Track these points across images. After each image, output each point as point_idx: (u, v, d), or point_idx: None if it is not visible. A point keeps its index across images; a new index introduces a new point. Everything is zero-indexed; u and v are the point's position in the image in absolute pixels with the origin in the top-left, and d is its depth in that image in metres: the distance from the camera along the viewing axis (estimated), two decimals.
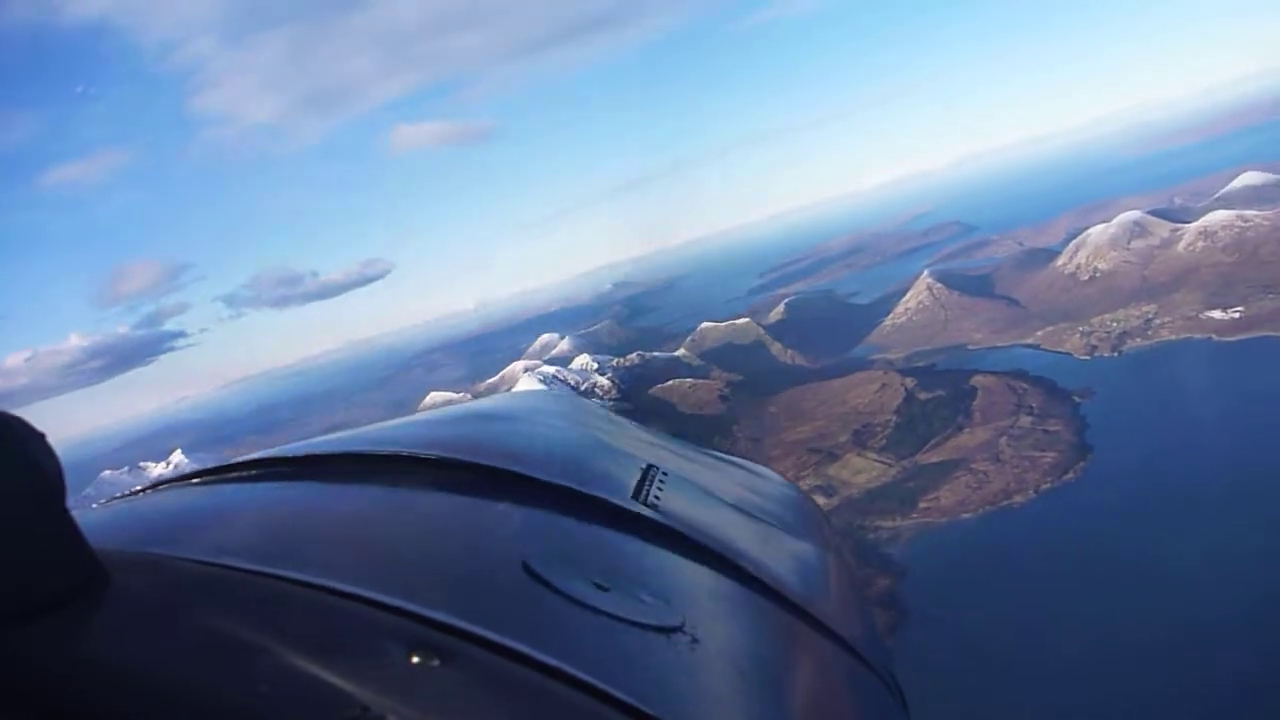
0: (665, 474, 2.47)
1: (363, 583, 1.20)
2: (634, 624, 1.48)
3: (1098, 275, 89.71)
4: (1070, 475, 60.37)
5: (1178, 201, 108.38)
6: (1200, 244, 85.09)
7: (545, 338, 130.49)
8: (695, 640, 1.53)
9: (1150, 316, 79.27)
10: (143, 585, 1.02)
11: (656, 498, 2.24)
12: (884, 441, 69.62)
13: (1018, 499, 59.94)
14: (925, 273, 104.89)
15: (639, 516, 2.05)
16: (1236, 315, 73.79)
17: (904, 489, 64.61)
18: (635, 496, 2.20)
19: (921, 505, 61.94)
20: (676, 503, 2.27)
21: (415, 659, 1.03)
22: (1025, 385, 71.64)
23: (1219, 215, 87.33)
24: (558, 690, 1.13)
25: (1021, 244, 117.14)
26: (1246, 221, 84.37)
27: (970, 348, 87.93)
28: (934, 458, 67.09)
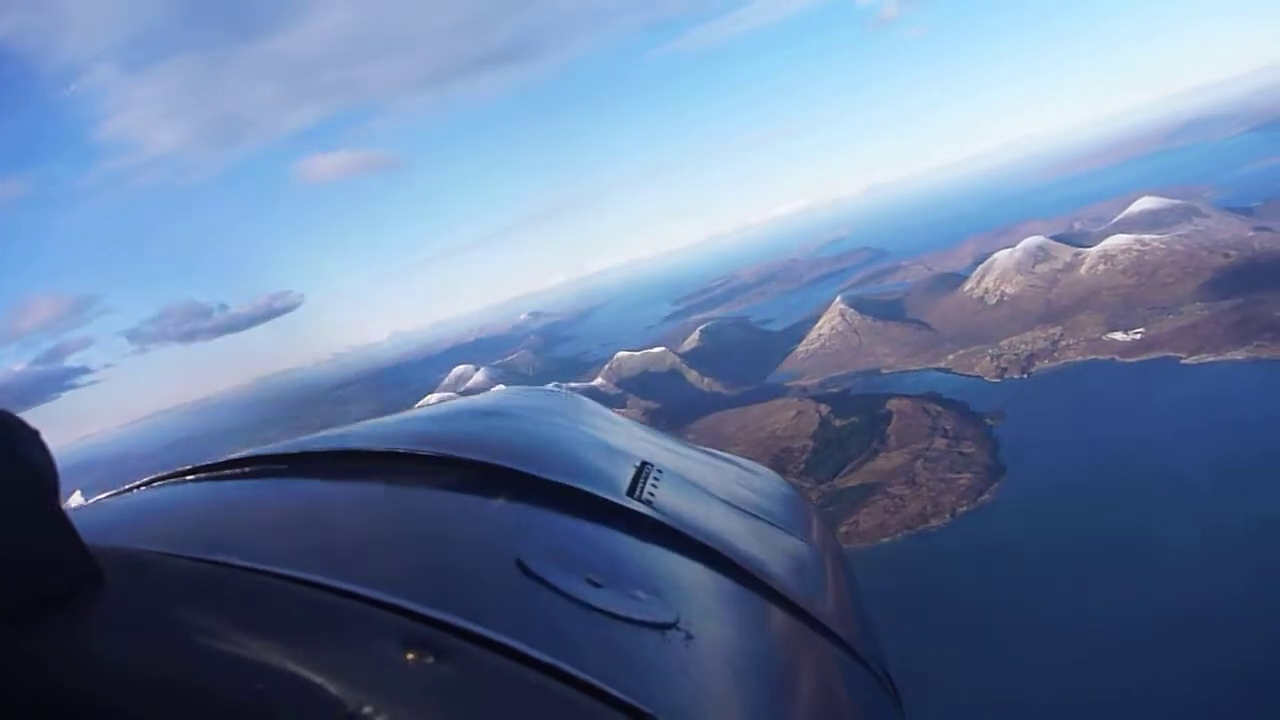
0: (660, 471, 2.46)
1: (358, 580, 1.20)
2: (629, 621, 1.48)
3: (1005, 299, 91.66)
4: (986, 497, 60.90)
5: (1078, 226, 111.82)
6: (1101, 267, 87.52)
7: (460, 369, 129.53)
8: (690, 637, 1.53)
9: (1056, 339, 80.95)
10: (136, 583, 1.02)
11: (651, 494, 2.24)
12: (802, 466, 69.64)
13: (935, 522, 60.26)
14: (838, 299, 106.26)
15: (633, 513, 2.05)
16: (1138, 336, 75.80)
17: (823, 514, 63.98)
18: (630, 493, 2.20)
19: (841, 530, 61.92)
20: (671, 499, 2.27)
21: (410, 656, 1.03)
22: (939, 408, 72.30)
23: (1118, 239, 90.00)
24: (553, 687, 1.12)
25: (931, 269, 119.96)
26: (1144, 245, 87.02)
27: (883, 372, 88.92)
28: (851, 482, 67.24)
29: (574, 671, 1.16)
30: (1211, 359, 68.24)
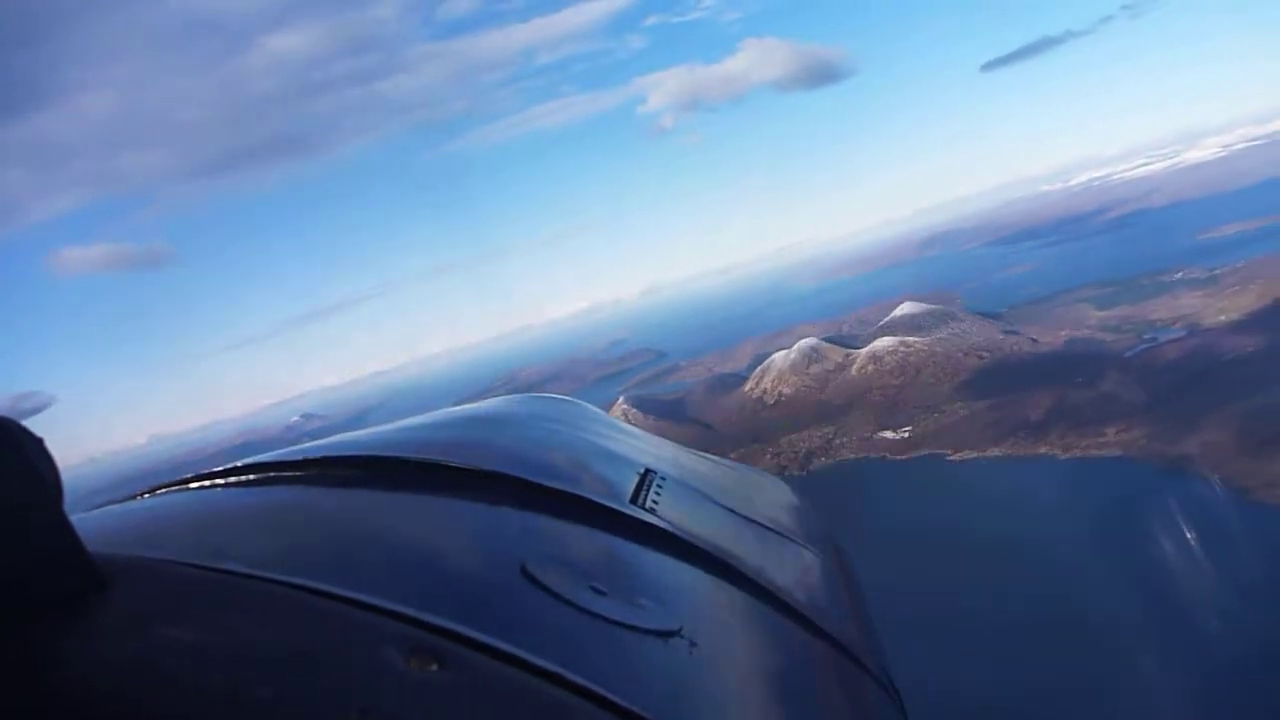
0: (663, 478, 2.49)
1: (361, 587, 1.20)
2: (632, 628, 1.49)
3: (782, 399, 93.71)
4: None
5: (846, 329, 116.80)
6: (870, 368, 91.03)
7: None
8: (693, 644, 1.54)
9: (831, 437, 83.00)
10: (139, 590, 1.02)
11: (654, 502, 2.26)
12: None
13: None
14: (621, 398, 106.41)
15: (637, 521, 2.07)
16: (906, 434, 78.78)
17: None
18: (633, 501, 2.22)
19: None
20: (674, 507, 2.28)
21: (413, 663, 1.03)
22: None
23: (884, 341, 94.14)
24: (556, 695, 1.13)
25: (711, 370, 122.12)
26: (908, 347, 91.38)
27: None
28: None
29: (577, 679, 1.15)
30: (974, 455, 71.43)
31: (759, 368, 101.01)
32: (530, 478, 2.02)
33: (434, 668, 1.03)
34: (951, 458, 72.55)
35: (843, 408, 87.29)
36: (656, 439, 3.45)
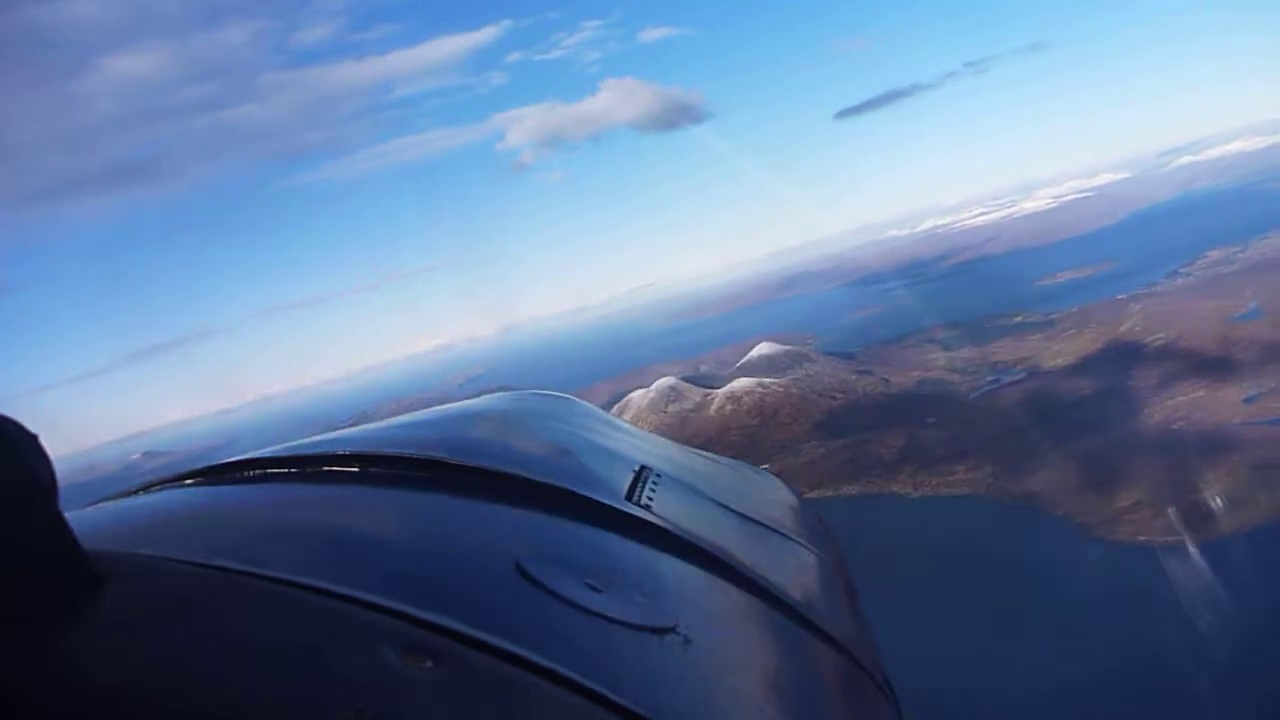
0: (659, 475, 2.48)
1: (355, 584, 1.21)
2: (627, 625, 1.50)
3: None
4: None
5: (704, 369, 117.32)
6: (729, 408, 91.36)
7: None
8: (688, 641, 1.54)
9: None
10: (134, 587, 1.02)
11: (650, 499, 2.25)
12: None
13: None
14: None
15: (632, 517, 2.07)
16: None
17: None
18: (629, 497, 2.22)
19: None
20: (670, 504, 2.29)
21: (408, 660, 1.03)
22: None
23: (742, 382, 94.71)
24: (551, 692, 1.13)
25: None
26: (765, 388, 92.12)
27: None
28: None
29: (572, 676, 1.17)
30: (831, 494, 71.98)
31: (617, 405, 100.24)
32: (525, 474, 2.03)
33: (429, 665, 1.03)
34: (809, 496, 72.81)
35: (702, 448, 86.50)
36: (653, 436, 3.41)
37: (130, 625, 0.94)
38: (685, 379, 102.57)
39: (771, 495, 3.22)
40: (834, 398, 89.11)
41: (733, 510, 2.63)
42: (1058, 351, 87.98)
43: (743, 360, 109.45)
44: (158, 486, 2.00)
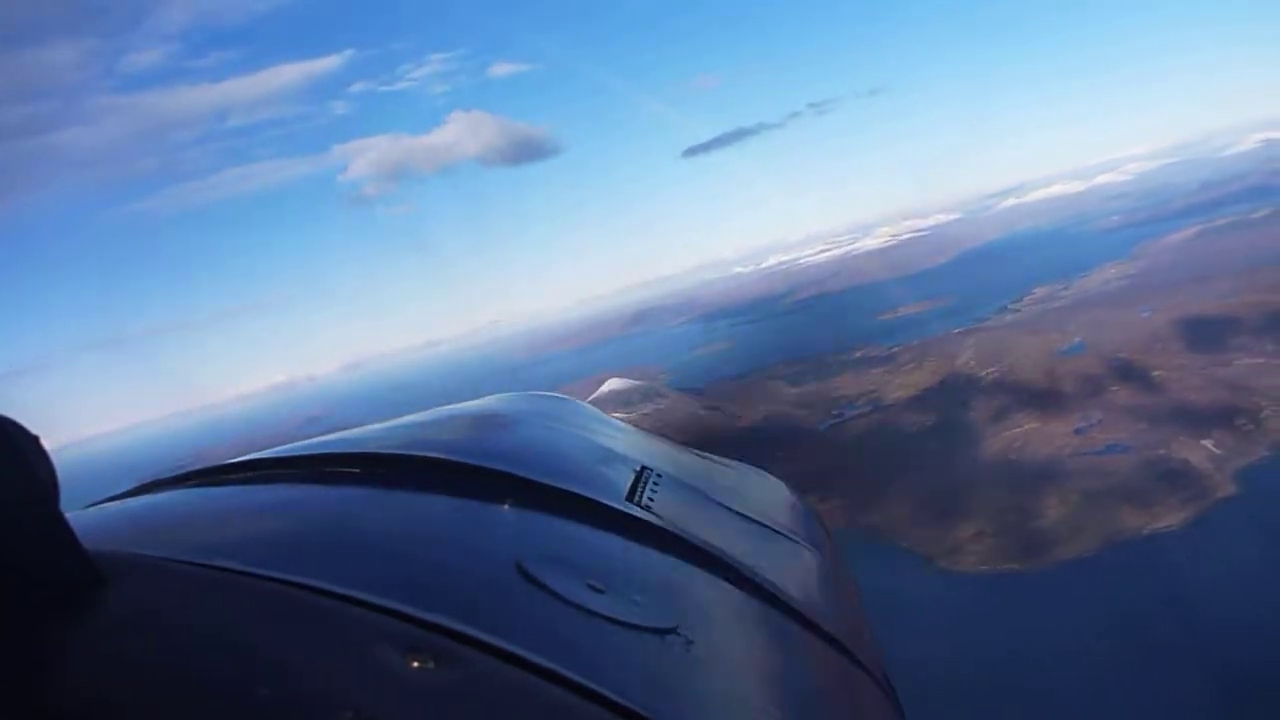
0: (659, 476, 2.49)
1: (357, 584, 1.20)
2: (628, 626, 1.50)
3: None
4: None
5: None
6: None
7: None
8: (690, 642, 1.54)
9: None
10: (135, 587, 1.01)
11: (650, 499, 2.27)
12: None
13: None
14: None
15: (633, 518, 2.08)
16: None
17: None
18: (629, 498, 2.23)
19: None
20: (670, 504, 2.30)
21: (410, 661, 1.03)
22: None
23: None
24: (552, 693, 1.13)
25: None
26: None
27: None
28: None
29: (573, 676, 1.16)
30: None
31: None
32: (527, 475, 2.02)
33: (430, 665, 1.03)
34: None
35: None
36: (653, 436, 3.46)
37: (131, 626, 0.94)
38: None
39: (771, 495, 3.23)
40: (684, 434, 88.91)
41: (733, 511, 2.64)
42: (899, 385, 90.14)
43: (593, 396, 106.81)
44: (158, 487, 1.98)
